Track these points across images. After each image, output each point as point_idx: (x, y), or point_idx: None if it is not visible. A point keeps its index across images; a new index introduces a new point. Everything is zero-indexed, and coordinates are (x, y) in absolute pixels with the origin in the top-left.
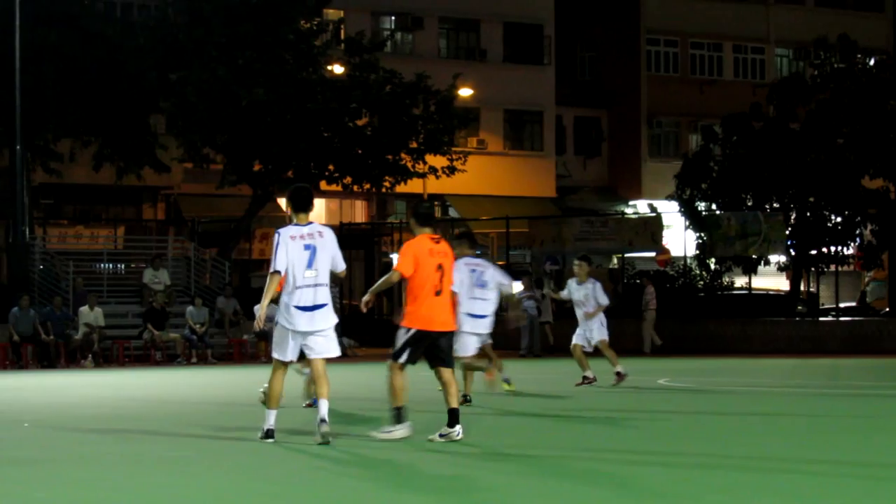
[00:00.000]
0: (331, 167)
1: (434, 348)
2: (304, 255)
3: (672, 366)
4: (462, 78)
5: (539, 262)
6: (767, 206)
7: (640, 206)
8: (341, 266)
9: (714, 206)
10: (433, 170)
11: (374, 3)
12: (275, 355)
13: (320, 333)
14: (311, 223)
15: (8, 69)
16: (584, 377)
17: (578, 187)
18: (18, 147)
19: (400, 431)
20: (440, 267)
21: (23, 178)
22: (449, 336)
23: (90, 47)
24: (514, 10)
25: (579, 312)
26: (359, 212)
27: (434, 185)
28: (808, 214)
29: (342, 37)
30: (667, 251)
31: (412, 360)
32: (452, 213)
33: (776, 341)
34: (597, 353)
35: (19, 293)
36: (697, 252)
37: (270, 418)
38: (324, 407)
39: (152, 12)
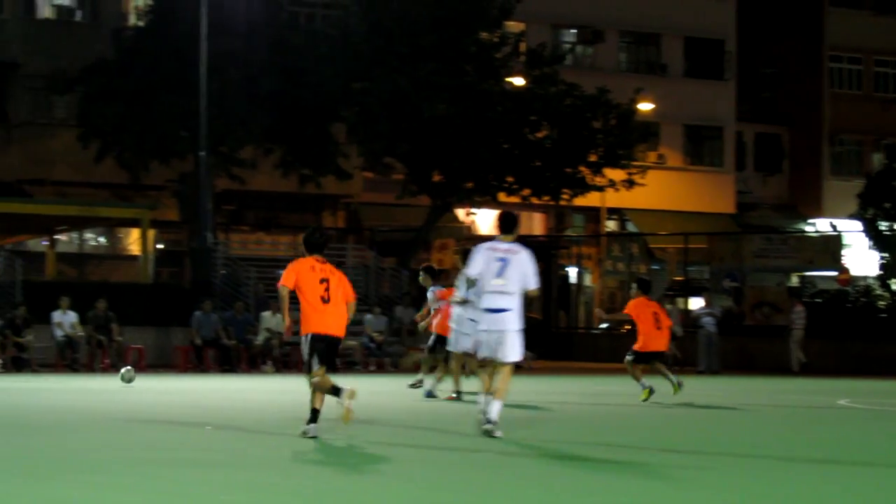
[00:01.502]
0: (510, 179)
1: (326, 351)
2: (496, 265)
3: (852, 386)
4: (642, 92)
5: (718, 279)
6: None
7: (821, 225)
8: (532, 285)
9: None
10: (612, 183)
11: (556, 16)
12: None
13: (505, 333)
14: (513, 243)
15: (194, 76)
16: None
17: (758, 204)
18: (203, 153)
19: (313, 431)
20: (324, 280)
21: (207, 184)
22: (337, 342)
23: (274, 55)
24: (696, 25)
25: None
26: (537, 224)
27: (612, 199)
28: None
29: (522, 49)
30: (847, 270)
31: (325, 362)
32: (631, 227)
33: None
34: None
35: (202, 297)
36: (880, 272)
37: (484, 405)
38: (494, 407)
39: (335, 21)
